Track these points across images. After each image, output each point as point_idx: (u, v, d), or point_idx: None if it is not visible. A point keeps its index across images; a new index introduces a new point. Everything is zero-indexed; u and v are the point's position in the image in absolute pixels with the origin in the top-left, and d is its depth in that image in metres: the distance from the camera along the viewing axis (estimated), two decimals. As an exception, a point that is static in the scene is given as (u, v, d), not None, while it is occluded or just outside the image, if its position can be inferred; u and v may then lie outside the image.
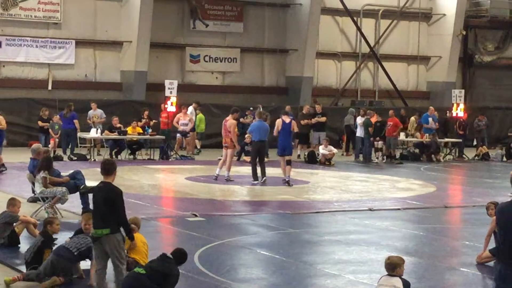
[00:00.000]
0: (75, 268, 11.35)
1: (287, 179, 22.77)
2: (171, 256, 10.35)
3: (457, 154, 33.88)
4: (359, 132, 30.82)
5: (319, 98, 37.95)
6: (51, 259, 11.22)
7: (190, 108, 31.49)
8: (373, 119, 31.27)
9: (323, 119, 31.23)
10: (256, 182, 22.64)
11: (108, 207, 9.91)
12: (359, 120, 31.10)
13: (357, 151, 31.25)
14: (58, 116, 29.38)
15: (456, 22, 41.20)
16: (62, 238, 12.59)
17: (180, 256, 10.45)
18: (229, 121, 23.34)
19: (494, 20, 42.95)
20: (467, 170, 29.95)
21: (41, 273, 11.15)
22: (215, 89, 37.19)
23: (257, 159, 22.97)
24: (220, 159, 24.42)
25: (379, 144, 30.51)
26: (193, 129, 31.16)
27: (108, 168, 10.13)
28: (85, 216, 12.19)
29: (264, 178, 22.73)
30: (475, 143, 35.95)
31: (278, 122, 23.48)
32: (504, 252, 8.16)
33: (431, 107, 34.59)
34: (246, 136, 29.42)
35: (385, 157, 31.16)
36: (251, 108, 31.87)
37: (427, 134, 32.84)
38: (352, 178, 25.45)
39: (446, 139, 34.13)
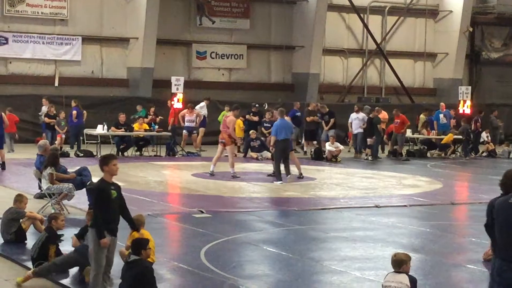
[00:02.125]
0: None
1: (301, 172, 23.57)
2: (132, 257, 10.16)
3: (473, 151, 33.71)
4: (355, 129, 30.77)
5: (326, 95, 38.01)
6: (68, 256, 11.22)
7: (202, 104, 31.44)
8: (381, 116, 31.33)
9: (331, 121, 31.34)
10: (280, 182, 22.12)
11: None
12: (353, 116, 30.89)
13: (359, 147, 31.21)
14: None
15: (463, 18, 41.14)
16: (68, 234, 12.63)
17: (137, 245, 10.27)
18: (229, 118, 23.40)
19: (501, 16, 42.87)
20: (473, 167, 29.89)
21: (53, 268, 11.17)
22: (221, 86, 37.19)
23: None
24: (226, 156, 24.46)
25: (370, 141, 30.37)
26: (202, 125, 31.03)
27: (99, 165, 10.13)
28: (90, 212, 12.18)
29: (289, 175, 22.56)
30: (481, 140, 35.84)
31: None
32: (501, 248, 8.21)
33: (442, 104, 34.43)
34: (250, 132, 29.41)
35: (391, 154, 31.24)
36: (257, 105, 31.86)
37: (433, 131, 32.84)
38: (358, 175, 25.43)
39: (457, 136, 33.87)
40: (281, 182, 22.11)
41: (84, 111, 29.87)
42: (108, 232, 9.86)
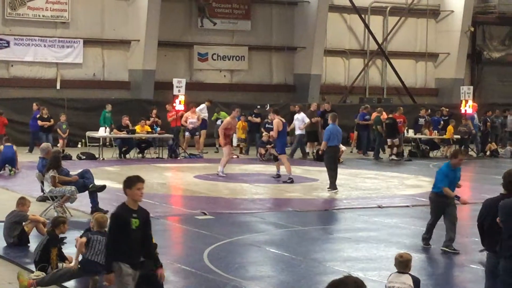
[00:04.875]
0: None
1: (291, 176, 22.89)
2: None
3: (479, 150, 33.89)
4: (296, 130, 30.02)
5: (327, 96, 37.94)
6: (71, 270, 11.17)
7: (202, 106, 31.43)
8: (382, 117, 31.35)
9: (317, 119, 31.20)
10: (335, 191, 20.93)
11: None
12: (295, 117, 30.39)
13: (302, 149, 30.71)
14: (64, 116, 29.43)
15: (464, 18, 41.15)
16: (71, 236, 12.60)
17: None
18: (225, 120, 23.77)
19: (502, 16, 42.87)
20: (475, 167, 29.88)
21: (54, 281, 11.12)
22: (223, 87, 37.21)
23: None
24: (235, 157, 24.60)
25: (395, 141, 30.66)
26: (203, 127, 31.04)
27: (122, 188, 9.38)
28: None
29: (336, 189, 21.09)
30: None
31: (279, 123, 23.41)
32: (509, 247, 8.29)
33: (475, 104, 34.53)
34: (263, 134, 29.37)
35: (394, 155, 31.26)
36: (258, 106, 31.84)
37: (435, 131, 32.88)
38: (361, 175, 25.43)
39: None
40: (336, 191, 20.98)
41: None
42: (127, 263, 8.62)
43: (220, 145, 23.56)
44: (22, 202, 13.95)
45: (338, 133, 21.29)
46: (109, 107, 31.25)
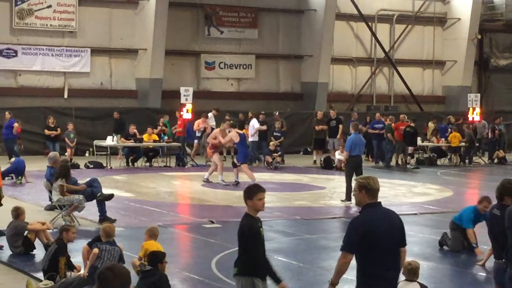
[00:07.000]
0: None
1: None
2: (147, 267, 10.25)
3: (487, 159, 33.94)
4: (251, 136, 29.71)
5: (334, 104, 37.93)
6: (80, 278, 11.15)
7: (209, 114, 31.42)
8: (393, 125, 31.27)
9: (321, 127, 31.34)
10: (349, 202, 20.37)
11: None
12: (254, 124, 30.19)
13: (256, 156, 30.35)
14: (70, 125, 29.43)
15: (471, 26, 41.11)
16: (79, 245, 12.60)
17: (153, 258, 10.34)
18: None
19: (509, 23, 42.82)
20: (483, 174, 29.83)
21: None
22: (230, 96, 37.23)
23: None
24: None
25: (411, 149, 30.82)
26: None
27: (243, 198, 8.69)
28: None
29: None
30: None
31: (235, 135, 23.68)
32: None
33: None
34: (271, 144, 29.36)
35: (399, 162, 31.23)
36: (263, 112, 31.77)
37: (442, 139, 32.83)
38: (368, 183, 25.35)
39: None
40: (350, 202, 20.40)
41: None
42: (259, 277, 8.47)
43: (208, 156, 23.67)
44: (17, 212, 13.83)
45: (359, 143, 20.87)
46: (166, 117, 31.41)
